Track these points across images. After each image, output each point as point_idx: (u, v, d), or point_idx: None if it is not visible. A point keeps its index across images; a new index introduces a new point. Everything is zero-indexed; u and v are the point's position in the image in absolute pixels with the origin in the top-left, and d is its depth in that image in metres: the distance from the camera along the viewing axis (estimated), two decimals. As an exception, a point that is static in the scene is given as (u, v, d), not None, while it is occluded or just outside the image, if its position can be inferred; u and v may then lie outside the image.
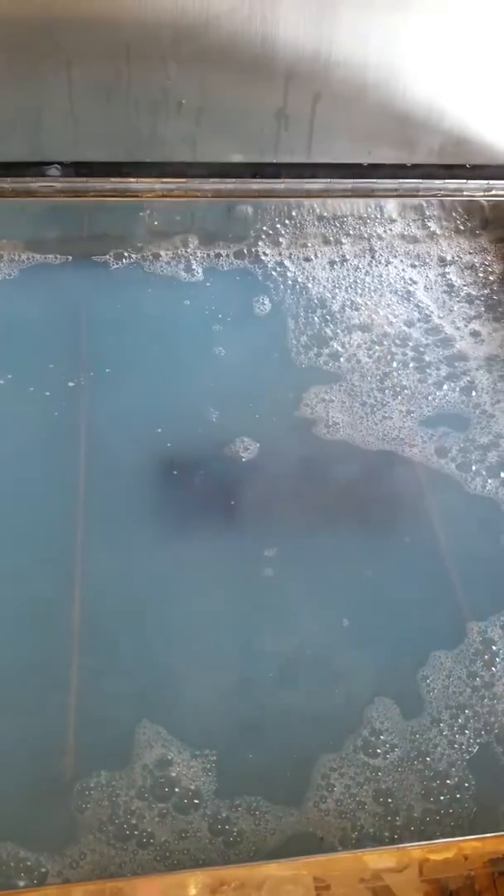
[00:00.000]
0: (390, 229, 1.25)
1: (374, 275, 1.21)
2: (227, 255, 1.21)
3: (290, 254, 1.22)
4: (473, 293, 1.21)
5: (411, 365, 1.10)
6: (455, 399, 1.07)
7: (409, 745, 0.78)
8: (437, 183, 1.23)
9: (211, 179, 1.17)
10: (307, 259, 1.22)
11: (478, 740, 0.79)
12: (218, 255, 1.21)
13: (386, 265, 1.23)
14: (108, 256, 1.19)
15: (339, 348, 1.11)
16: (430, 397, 1.07)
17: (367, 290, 1.19)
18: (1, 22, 1.02)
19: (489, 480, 0.99)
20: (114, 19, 1.03)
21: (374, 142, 1.18)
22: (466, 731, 0.79)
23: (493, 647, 0.85)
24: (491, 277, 1.24)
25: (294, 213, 1.21)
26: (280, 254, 1.22)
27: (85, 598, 0.86)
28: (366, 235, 1.24)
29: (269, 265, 1.21)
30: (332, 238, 1.23)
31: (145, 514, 0.94)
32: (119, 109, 1.11)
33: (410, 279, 1.22)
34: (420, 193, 1.23)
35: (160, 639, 0.84)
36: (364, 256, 1.24)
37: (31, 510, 0.93)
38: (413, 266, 1.24)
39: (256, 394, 1.06)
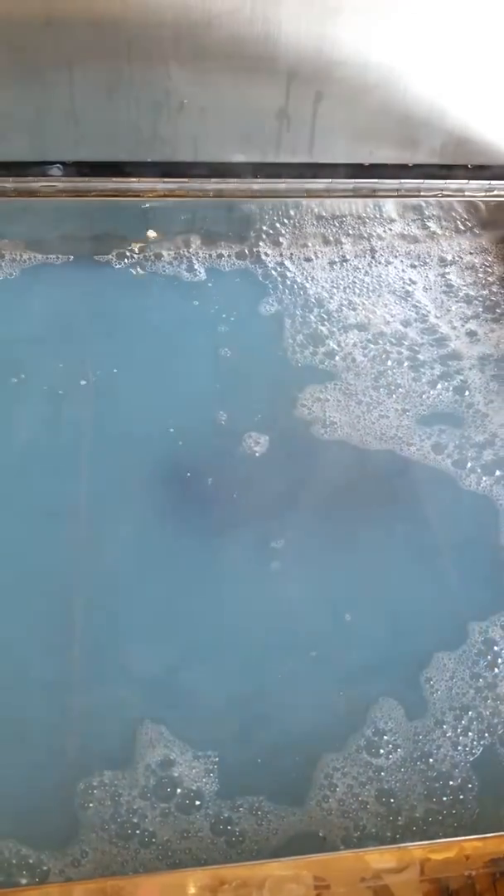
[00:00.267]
0: (390, 229, 1.25)
1: (373, 275, 1.22)
2: (229, 256, 1.21)
3: (291, 254, 1.22)
4: (472, 294, 1.21)
5: (405, 364, 1.11)
6: (449, 398, 1.07)
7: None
8: (439, 183, 1.23)
9: (212, 179, 1.17)
10: (307, 259, 1.22)
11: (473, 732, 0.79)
12: (220, 256, 1.21)
13: (386, 265, 1.23)
14: (110, 256, 1.19)
15: (335, 346, 1.11)
16: (423, 395, 1.07)
17: (365, 290, 1.19)
18: (2, 21, 1.02)
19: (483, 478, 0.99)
20: (115, 19, 1.03)
21: (375, 142, 1.18)
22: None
23: (495, 648, 0.85)
24: (491, 278, 1.24)
25: (293, 213, 1.21)
26: (281, 254, 1.22)
27: (92, 593, 0.86)
28: (366, 235, 1.25)
29: (270, 265, 1.21)
30: (331, 238, 1.24)
31: (146, 513, 0.94)
32: (121, 109, 1.11)
33: (410, 279, 1.22)
34: (421, 194, 1.23)
35: (165, 639, 0.85)
36: (364, 257, 1.24)
37: (46, 511, 0.93)
38: (413, 266, 1.24)
39: (258, 395, 1.06)
